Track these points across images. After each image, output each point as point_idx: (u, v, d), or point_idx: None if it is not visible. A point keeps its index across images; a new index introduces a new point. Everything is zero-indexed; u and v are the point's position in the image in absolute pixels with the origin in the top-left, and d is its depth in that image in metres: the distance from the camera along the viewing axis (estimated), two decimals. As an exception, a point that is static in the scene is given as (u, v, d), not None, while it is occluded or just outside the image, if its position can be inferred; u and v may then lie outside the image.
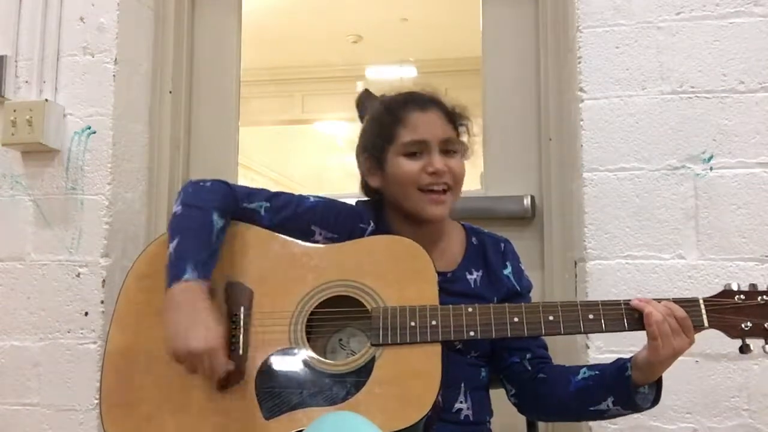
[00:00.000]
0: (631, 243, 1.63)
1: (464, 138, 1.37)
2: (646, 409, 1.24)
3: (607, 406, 1.24)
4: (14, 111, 1.84)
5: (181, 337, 1.16)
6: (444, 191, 1.31)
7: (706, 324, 1.19)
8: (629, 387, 1.21)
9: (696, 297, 1.20)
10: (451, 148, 1.33)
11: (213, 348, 1.16)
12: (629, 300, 1.20)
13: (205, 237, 1.26)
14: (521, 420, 1.45)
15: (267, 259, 1.30)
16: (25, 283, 1.85)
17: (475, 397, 1.31)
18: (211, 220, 1.28)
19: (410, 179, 1.30)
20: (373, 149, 1.35)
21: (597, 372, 1.28)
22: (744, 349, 1.18)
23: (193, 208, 1.29)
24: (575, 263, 1.70)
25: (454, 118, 1.36)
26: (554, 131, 1.86)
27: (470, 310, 1.22)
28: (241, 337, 1.24)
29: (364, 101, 1.44)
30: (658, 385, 1.23)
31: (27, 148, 1.87)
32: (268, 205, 1.35)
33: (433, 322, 1.20)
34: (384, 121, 1.34)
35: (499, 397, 1.40)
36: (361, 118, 1.44)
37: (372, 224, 1.37)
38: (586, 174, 1.66)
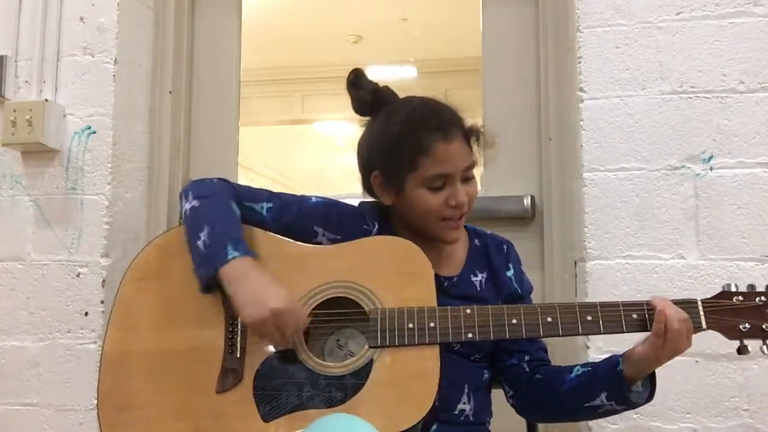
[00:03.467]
0: (631, 243, 1.63)
1: (476, 153, 1.33)
2: (641, 404, 1.24)
3: (601, 401, 1.24)
4: (14, 111, 1.84)
5: (258, 303, 1.16)
6: (461, 216, 1.30)
7: (704, 326, 1.19)
8: (622, 382, 1.21)
9: (694, 298, 1.20)
10: (471, 174, 1.31)
11: (294, 302, 1.18)
12: (627, 301, 1.20)
13: (233, 219, 1.27)
14: (521, 421, 1.45)
15: (264, 260, 1.28)
16: (25, 283, 1.85)
17: (477, 398, 1.32)
18: (232, 207, 1.29)
19: (433, 212, 1.28)
20: (390, 171, 1.29)
21: (590, 368, 1.28)
22: (742, 350, 1.18)
23: (209, 198, 1.30)
24: (575, 263, 1.70)
25: (471, 136, 1.32)
26: (554, 131, 1.86)
27: (468, 311, 1.22)
28: (239, 339, 1.24)
29: (359, 83, 1.36)
30: (652, 381, 1.23)
31: (27, 148, 1.87)
32: (270, 205, 1.34)
33: (431, 324, 1.20)
34: (405, 145, 1.26)
35: (499, 398, 1.40)
36: (359, 107, 1.37)
37: (376, 225, 1.36)
38: (586, 174, 1.66)
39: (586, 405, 1.26)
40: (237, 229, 1.26)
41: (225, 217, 1.27)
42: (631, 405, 1.24)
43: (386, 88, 1.37)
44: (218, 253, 1.21)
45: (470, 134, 1.32)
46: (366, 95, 1.35)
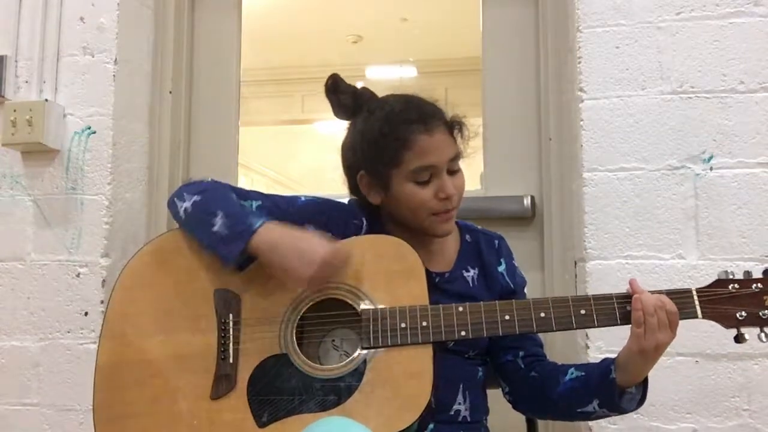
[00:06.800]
0: (631, 243, 1.63)
1: (460, 145, 1.32)
2: (632, 410, 1.24)
3: (594, 408, 1.24)
4: (14, 111, 1.84)
5: (306, 260, 1.17)
6: (451, 209, 1.29)
7: (699, 315, 1.17)
8: (614, 390, 1.20)
9: (689, 288, 1.19)
10: (456, 166, 1.30)
11: (333, 245, 1.20)
12: (621, 293, 1.20)
13: (240, 203, 1.28)
14: (520, 418, 1.46)
15: (255, 263, 1.27)
16: (25, 283, 1.85)
17: (472, 396, 1.31)
18: (233, 195, 1.30)
19: (423, 206, 1.27)
20: (375, 169, 1.29)
21: (583, 373, 1.27)
22: (739, 339, 1.17)
23: (209, 191, 1.30)
24: (575, 263, 1.70)
25: (453, 127, 1.31)
26: (554, 131, 1.86)
27: (461, 309, 1.21)
28: (231, 345, 1.23)
29: (338, 88, 1.34)
30: (644, 386, 1.23)
31: (27, 148, 1.87)
32: (260, 203, 1.34)
33: (424, 323, 1.19)
34: (387, 142, 1.25)
35: (498, 397, 1.40)
36: (340, 112, 1.36)
37: (365, 222, 1.35)
38: (586, 174, 1.66)
39: (579, 410, 1.26)
40: (246, 209, 1.27)
41: (233, 201, 1.28)
42: (623, 412, 1.24)
43: (365, 89, 1.36)
44: (243, 227, 1.21)
45: (452, 125, 1.31)
46: (346, 99, 1.34)
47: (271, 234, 1.20)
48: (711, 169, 1.63)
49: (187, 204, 1.29)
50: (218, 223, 1.23)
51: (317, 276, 1.18)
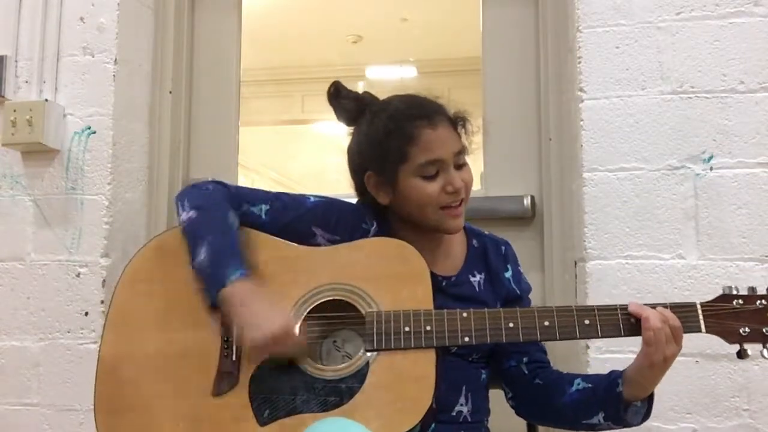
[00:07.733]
0: (631, 243, 1.63)
1: (465, 140, 1.33)
2: (636, 424, 1.24)
3: (599, 420, 1.24)
4: (14, 111, 1.84)
5: (256, 329, 1.16)
6: (460, 203, 1.29)
7: (703, 330, 1.18)
8: (620, 404, 1.21)
9: (693, 302, 1.19)
10: (463, 160, 1.30)
11: (290, 325, 1.18)
12: (625, 305, 1.19)
13: (231, 236, 1.27)
14: (521, 421, 1.45)
15: (259, 262, 1.27)
16: (25, 283, 1.85)
17: (474, 398, 1.31)
18: (229, 220, 1.29)
19: (431, 201, 1.27)
20: (382, 168, 1.29)
21: (590, 385, 1.27)
22: (742, 354, 1.17)
23: (207, 210, 1.29)
24: (575, 263, 1.70)
25: (457, 123, 1.32)
26: (554, 131, 1.86)
27: (465, 315, 1.21)
28: (234, 342, 1.23)
29: (340, 94, 1.36)
30: (649, 400, 1.23)
31: (27, 148, 1.87)
32: (269, 207, 1.34)
33: (428, 328, 1.19)
34: (392, 138, 1.26)
35: (499, 398, 1.40)
36: (344, 117, 1.37)
37: (374, 224, 1.35)
38: (586, 174, 1.66)
39: (584, 421, 1.26)
40: (234, 245, 1.26)
41: (222, 232, 1.27)
42: (628, 425, 1.24)
43: (367, 94, 1.37)
44: (218, 275, 1.21)
45: (456, 121, 1.32)
46: (348, 104, 1.35)
47: (237, 294, 1.20)
48: (711, 169, 1.63)
49: (184, 218, 1.30)
50: (202, 254, 1.24)
51: (263, 346, 1.17)
